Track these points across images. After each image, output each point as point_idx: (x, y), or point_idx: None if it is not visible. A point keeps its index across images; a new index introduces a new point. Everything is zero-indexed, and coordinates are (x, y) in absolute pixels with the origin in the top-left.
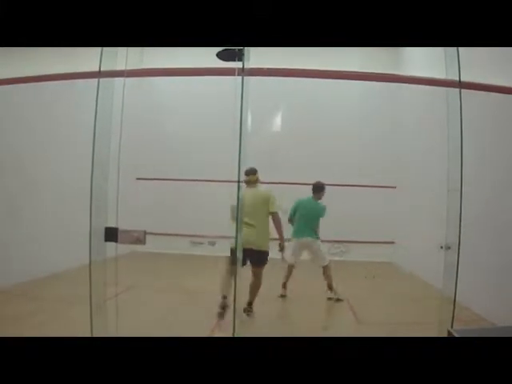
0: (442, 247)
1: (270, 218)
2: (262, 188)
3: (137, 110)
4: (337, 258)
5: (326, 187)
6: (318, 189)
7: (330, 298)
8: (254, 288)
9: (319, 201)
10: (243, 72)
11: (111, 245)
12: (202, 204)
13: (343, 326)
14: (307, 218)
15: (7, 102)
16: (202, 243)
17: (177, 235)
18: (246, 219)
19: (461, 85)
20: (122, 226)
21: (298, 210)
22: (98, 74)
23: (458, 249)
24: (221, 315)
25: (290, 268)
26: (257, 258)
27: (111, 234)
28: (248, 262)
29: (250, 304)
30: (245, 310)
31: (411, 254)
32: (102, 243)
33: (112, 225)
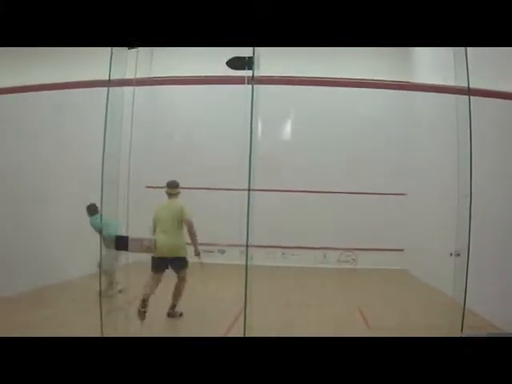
0: (451, 254)
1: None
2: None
3: (145, 118)
4: (347, 266)
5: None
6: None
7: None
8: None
9: None
10: (253, 80)
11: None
12: (211, 212)
13: (354, 332)
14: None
15: (12, 111)
16: (211, 251)
17: (186, 244)
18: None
19: (470, 91)
20: (133, 234)
21: None
22: (108, 83)
23: (468, 255)
24: (142, 314)
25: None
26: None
27: (122, 243)
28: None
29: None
30: (169, 315)
31: (422, 261)
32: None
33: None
